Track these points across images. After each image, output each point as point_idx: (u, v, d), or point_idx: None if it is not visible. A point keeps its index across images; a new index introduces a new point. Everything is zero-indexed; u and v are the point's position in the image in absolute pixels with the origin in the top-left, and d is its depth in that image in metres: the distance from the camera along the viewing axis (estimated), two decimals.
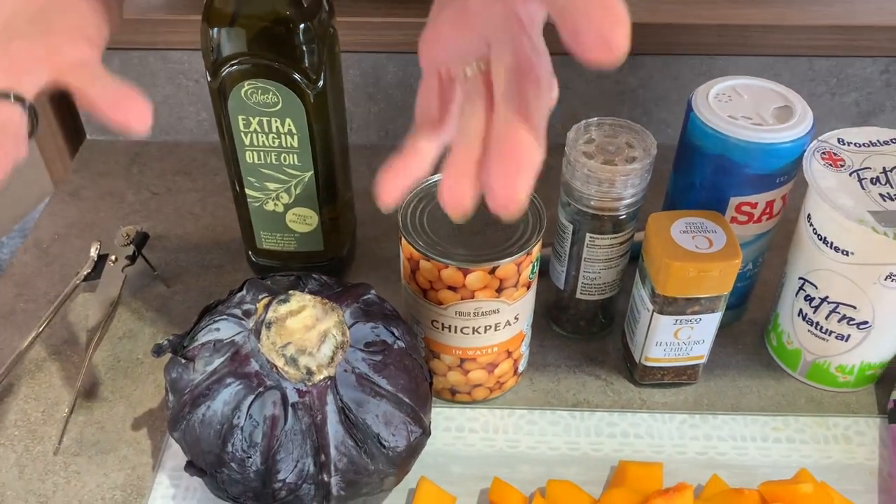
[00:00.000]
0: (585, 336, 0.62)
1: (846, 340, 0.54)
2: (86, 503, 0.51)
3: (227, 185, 0.76)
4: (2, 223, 1.21)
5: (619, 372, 0.60)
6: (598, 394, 0.58)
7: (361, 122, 0.80)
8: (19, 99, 0.41)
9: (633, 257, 0.59)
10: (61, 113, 0.80)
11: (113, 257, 0.64)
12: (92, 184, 0.76)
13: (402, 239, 0.50)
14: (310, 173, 0.56)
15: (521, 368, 0.57)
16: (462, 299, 0.50)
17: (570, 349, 0.61)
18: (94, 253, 0.64)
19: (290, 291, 0.45)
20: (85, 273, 0.63)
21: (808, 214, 0.53)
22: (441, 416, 0.56)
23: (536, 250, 0.50)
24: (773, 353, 0.60)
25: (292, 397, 0.43)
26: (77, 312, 0.63)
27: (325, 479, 0.43)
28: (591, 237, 0.55)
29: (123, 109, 0.41)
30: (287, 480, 0.43)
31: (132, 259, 0.64)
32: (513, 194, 0.32)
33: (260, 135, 0.54)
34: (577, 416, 0.56)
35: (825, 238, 0.52)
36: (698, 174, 0.55)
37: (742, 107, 0.54)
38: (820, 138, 0.54)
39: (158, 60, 0.76)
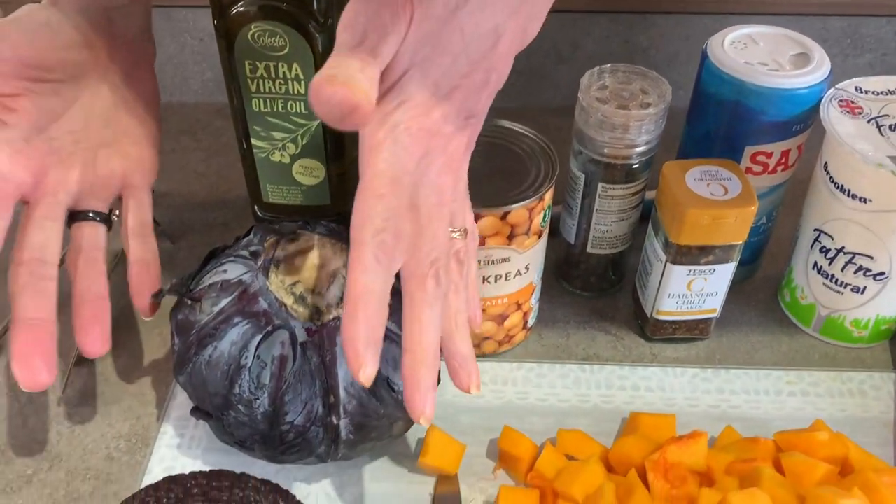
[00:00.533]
0: (595, 293, 0.61)
1: (862, 293, 0.54)
2: (90, 452, 0.51)
3: (233, 146, 0.75)
4: None
5: (629, 328, 0.59)
6: (608, 349, 0.57)
7: None
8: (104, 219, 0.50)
9: (644, 217, 0.58)
10: None
11: (117, 211, 0.63)
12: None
13: None
14: (317, 122, 0.55)
15: (530, 322, 0.56)
16: None
17: (580, 305, 0.60)
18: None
19: (299, 231, 0.44)
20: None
21: (825, 162, 0.52)
22: None
23: (549, 197, 0.49)
24: (787, 309, 0.59)
25: (301, 336, 0.42)
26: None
27: (334, 421, 0.43)
28: (603, 187, 0.54)
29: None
30: (295, 423, 0.43)
31: None
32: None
33: (266, 81, 0.53)
34: (588, 369, 0.55)
35: (842, 185, 0.51)
36: (713, 123, 0.54)
37: (758, 54, 0.53)
38: (837, 86, 0.53)
39: (163, 19, 0.75)
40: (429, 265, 0.37)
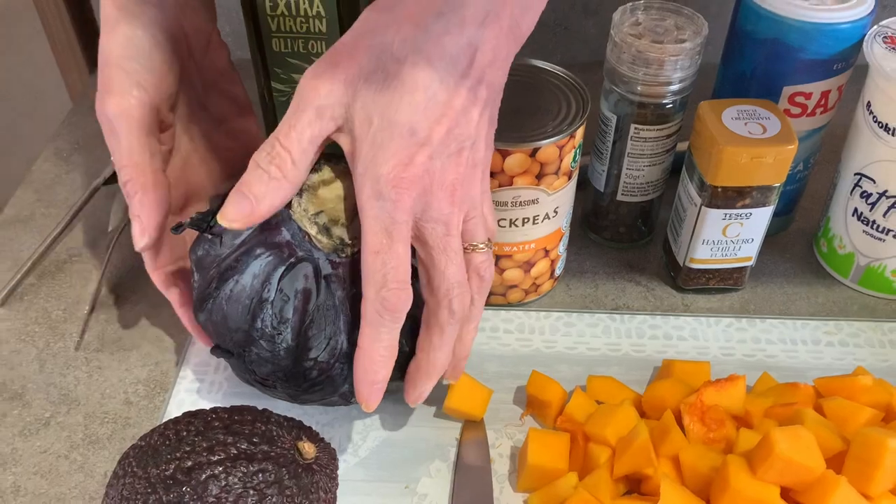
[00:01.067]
0: (625, 244, 0.59)
1: None
2: (108, 396, 0.50)
3: (253, 99, 0.74)
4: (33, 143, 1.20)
5: (660, 279, 0.57)
6: (638, 299, 0.56)
7: None
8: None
9: (676, 169, 0.56)
10: (79, 26, 0.78)
11: None
12: None
13: None
14: None
15: (557, 271, 0.55)
16: (500, 186, 0.47)
17: (609, 256, 0.59)
18: None
19: (323, 163, 0.43)
20: (106, 176, 0.61)
21: (868, 102, 0.50)
22: None
23: (579, 135, 0.48)
24: (824, 260, 0.57)
25: (325, 269, 0.41)
26: (97, 217, 0.61)
27: None
28: (635, 129, 0.52)
29: None
30: (319, 359, 0.41)
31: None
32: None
33: (287, 19, 0.52)
34: (618, 318, 0.54)
35: (886, 125, 0.49)
36: (749, 62, 0.52)
37: None
38: (882, 23, 0.51)
39: None
40: (443, 295, 0.39)
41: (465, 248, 0.40)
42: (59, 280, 0.57)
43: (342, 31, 0.52)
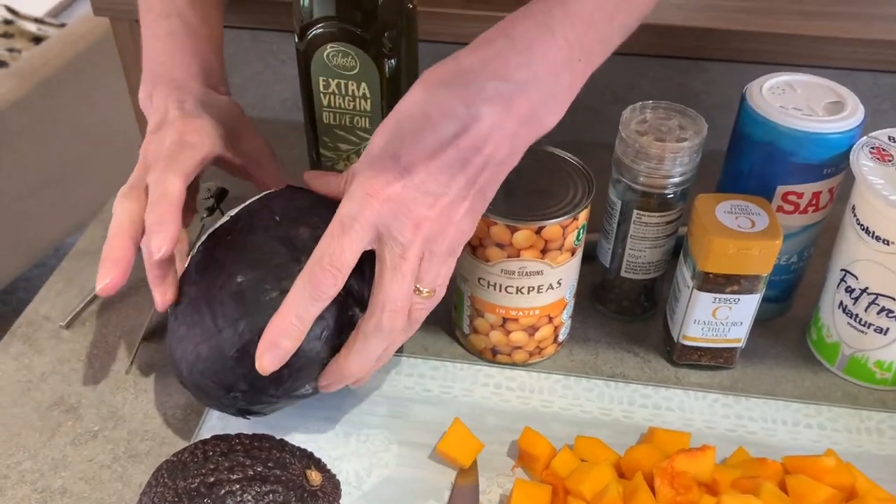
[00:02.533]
0: (628, 317, 0.64)
1: (885, 334, 0.55)
2: (150, 416, 0.56)
3: (303, 159, 0.81)
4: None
5: (657, 352, 0.62)
6: (634, 369, 0.60)
7: None
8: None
9: (678, 251, 0.61)
10: None
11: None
12: None
13: None
14: None
15: (561, 337, 0.60)
16: (508, 257, 0.53)
17: (612, 327, 0.64)
18: (209, 191, 0.70)
19: None
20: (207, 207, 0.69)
21: (853, 206, 0.55)
22: (481, 374, 0.59)
23: (583, 216, 0.53)
24: (813, 347, 0.61)
25: None
26: None
27: None
28: (638, 214, 0.57)
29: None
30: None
31: (211, 211, 0.69)
32: None
33: (337, 96, 0.59)
34: (612, 385, 0.58)
35: (867, 227, 0.53)
36: (747, 162, 0.57)
37: (794, 99, 0.56)
38: (870, 135, 0.56)
39: (249, 40, 0.82)
40: (377, 307, 0.44)
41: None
42: (117, 310, 0.64)
43: (384, 110, 0.59)
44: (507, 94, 0.43)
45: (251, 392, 0.47)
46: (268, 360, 0.44)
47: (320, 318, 0.45)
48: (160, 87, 0.58)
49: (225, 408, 0.49)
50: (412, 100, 0.44)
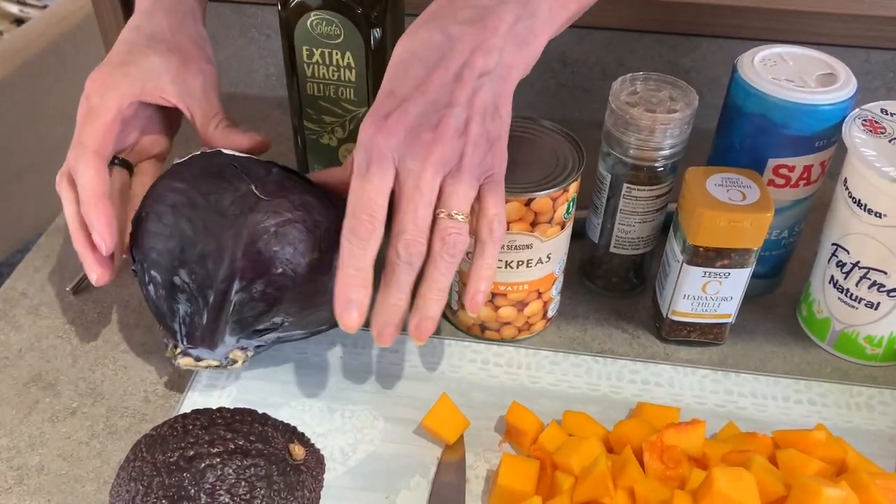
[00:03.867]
0: (617, 294, 0.63)
1: (875, 308, 0.55)
2: (129, 393, 0.55)
3: (289, 135, 0.80)
4: None
5: (646, 328, 0.61)
6: (623, 345, 0.60)
7: None
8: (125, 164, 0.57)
9: (667, 227, 0.60)
10: None
11: None
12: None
13: None
14: (364, 109, 0.59)
15: (550, 313, 0.59)
16: None
17: (600, 303, 0.63)
18: None
19: None
20: None
21: (845, 178, 0.54)
22: (469, 350, 0.58)
23: (573, 188, 0.52)
24: (803, 323, 0.61)
25: None
26: None
27: None
28: (628, 188, 0.56)
29: None
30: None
31: None
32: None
33: (321, 66, 0.58)
34: (601, 361, 0.58)
35: (859, 200, 0.52)
36: (738, 134, 0.56)
37: (786, 71, 0.55)
38: (863, 107, 0.55)
39: (233, 13, 0.81)
40: (395, 235, 0.44)
41: (438, 213, 0.44)
42: (97, 288, 0.63)
43: (369, 81, 0.58)
44: (478, 15, 0.44)
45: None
46: (349, 316, 0.44)
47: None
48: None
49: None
50: (398, 51, 0.45)
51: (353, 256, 0.44)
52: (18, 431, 0.53)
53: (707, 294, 0.56)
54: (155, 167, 0.59)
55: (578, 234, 0.61)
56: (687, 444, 0.47)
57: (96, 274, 0.53)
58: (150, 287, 0.49)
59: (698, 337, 0.59)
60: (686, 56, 0.78)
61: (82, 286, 0.62)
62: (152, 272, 0.49)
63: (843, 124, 0.53)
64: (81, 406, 0.54)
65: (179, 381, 0.56)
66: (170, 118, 0.59)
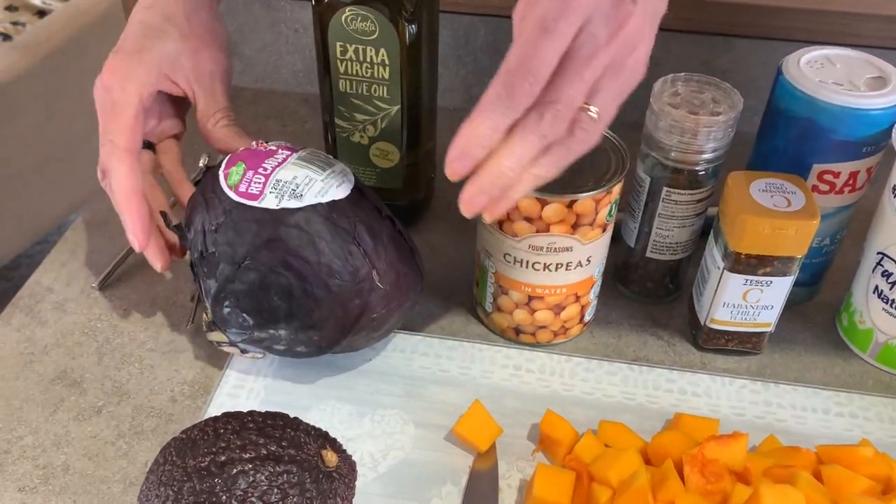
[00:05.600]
0: (652, 300, 0.62)
1: None
2: (156, 393, 0.54)
3: (316, 133, 0.79)
4: None
5: (682, 335, 0.59)
6: (658, 353, 0.58)
7: (448, 85, 0.82)
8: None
9: (706, 232, 0.59)
10: None
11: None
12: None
13: None
14: (396, 108, 0.58)
15: (587, 317, 0.58)
16: (537, 232, 0.50)
17: (635, 309, 0.61)
18: (202, 163, 0.66)
19: None
20: (195, 179, 0.66)
21: (894, 186, 0.52)
22: (500, 355, 0.57)
23: (616, 191, 0.51)
24: (844, 334, 0.59)
25: None
26: None
27: None
28: (667, 191, 0.55)
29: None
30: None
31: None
32: None
33: (354, 63, 0.56)
34: (636, 369, 0.56)
35: None
36: (782, 138, 0.55)
37: (834, 74, 0.54)
38: None
39: (262, 7, 0.80)
40: (544, 102, 0.39)
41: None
42: (124, 282, 0.62)
43: (402, 80, 0.57)
44: None
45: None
46: (458, 166, 0.40)
47: None
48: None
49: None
50: None
51: (495, 113, 0.39)
52: (44, 430, 0.52)
53: (747, 302, 0.54)
54: (175, 145, 0.58)
55: (613, 238, 0.59)
56: (729, 458, 0.46)
57: (158, 265, 0.53)
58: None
59: (736, 346, 0.57)
60: (722, 57, 0.76)
61: (108, 282, 0.61)
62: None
63: (894, 129, 0.52)
64: (107, 405, 0.53)
65: (206, 382, 0.55)
66: (183, 101, 0.58)
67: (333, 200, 0.48)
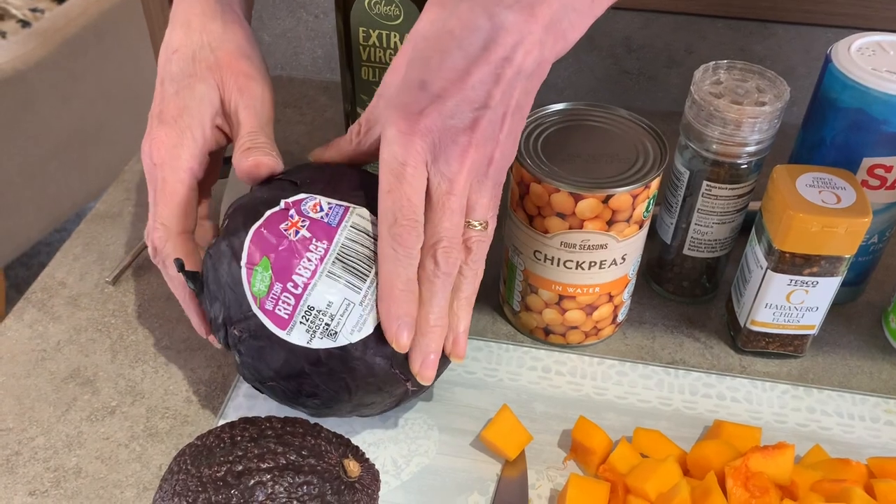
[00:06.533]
0: (687, 299, 0.59)
1: None
2: (171, 393, 0.52)
3: (335, 122, 0.77)
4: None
5: (719, 337, 0.57)
6: (695, 355, 0.55)
7: None
8: None
9: (746, 228, 0.56)
10: None
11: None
12: None
13: (515, 162, 0.49)
14: None
15: (620, 317, 0.55)
16: (570, 228, 0.48)
17: (669, 309, 0.59)
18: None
19: None
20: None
21: None
22: (528, 356, 0.54)
23: (655, 185, 0.48)
24: (891, 336, 0.56)
25: None
26: None
27: None
28: (707, 185, 0.52)
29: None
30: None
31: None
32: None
33: (378, 49, 0.54)
34: (672, 373, 0.54)
35: None
36: (830, 130, 0.52)
37: (887, 62, 0.50)
38: None
39: None
40: (430, 246, 0.41)
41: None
42: (139, 276, 0.60)
43: None
44: (527, 1, 0.39)
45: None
46: (402, 336, 0.41)
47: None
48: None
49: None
50: (429, 19, 0.40)
51: (401, 267, 0.41)
52: (56, 430, 0.50)
53: (791, 304, 0.51)
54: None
55: (647, 234, 0.56)
56: (775, 471, 0.43)
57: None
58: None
59: (777, 348, 0.54)
60: (760, 44, 0.73)
61: (123, 276, 0.60)
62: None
63: None
64: (121, 405, 0.51)
65: (224, 382, 0.53)
66: None
67: (371, 335, 0.42)
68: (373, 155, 0.45)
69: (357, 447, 0.42)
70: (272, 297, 0.42)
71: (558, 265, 0.50)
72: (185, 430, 0.50)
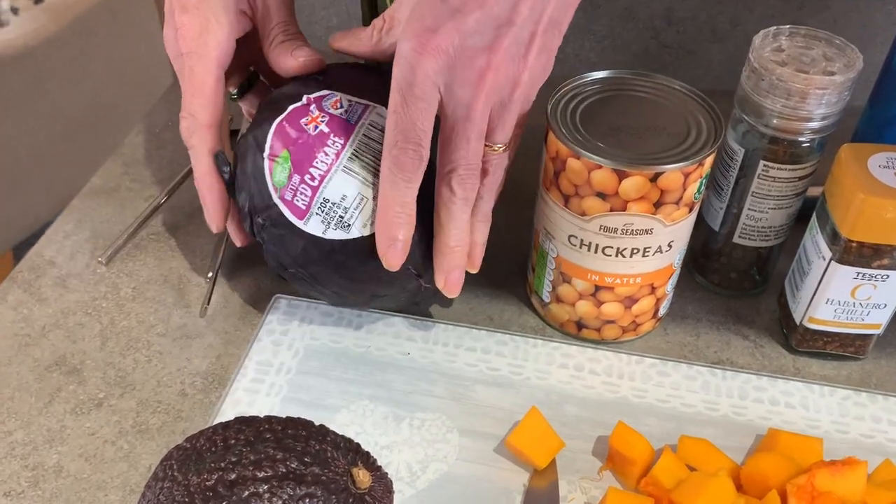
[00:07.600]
0: (735, 292, 0.53)
1: None
2: (164, 385, 0.47)
3: None
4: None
5: (770, 335, 0.51)
6: (743, 355, 0.50)
7: None
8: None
9: (804, 215, 0.50)
10: None
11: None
12: None
13: (549, 134, 0.43)
14: None
15: (662, 311, 0.50)
16: (611, 210, 0.42)
17: (715, 303, 0.53)
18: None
19: None
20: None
21: None
22: (558, 352, 0.49)
23: (708, 163, 0.43)
24: None
25: None
26: (180, 197, 0.59)
27: None
28: (764, 166, 0.46)
29: None
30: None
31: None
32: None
33: None
34: (719, 374, 0.48)
35: None
36: None
37: None
38: None
39: None
40: (446, 172, 0.40)
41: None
42: (133, 257, 0.55)
43: None
44: None
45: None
46: (392, 255, 0.41)
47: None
48: None
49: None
50: None
51: (398, 191, 0.40)
52: (36, 423, 0.45)
53: (856, 300, 0.46)
54: None
55: None
56: (845, 490, 0.38)
57: (238, 241, 0.51)
58: None
59: (836, 349, 0.49)
60: (813, 17, 0.67)
61: (116, 256, 0.55)
62: None
63: None
64: (108, 397, 0.47)
65: (222, 374, 0.48)
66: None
67: None
68: (391, 56, 0.40)
69: (368, 453, 0.37)
70: (291, 188, 0.43)
71: (596, 252, 0.44)
72: (177, 426, 0.45)
